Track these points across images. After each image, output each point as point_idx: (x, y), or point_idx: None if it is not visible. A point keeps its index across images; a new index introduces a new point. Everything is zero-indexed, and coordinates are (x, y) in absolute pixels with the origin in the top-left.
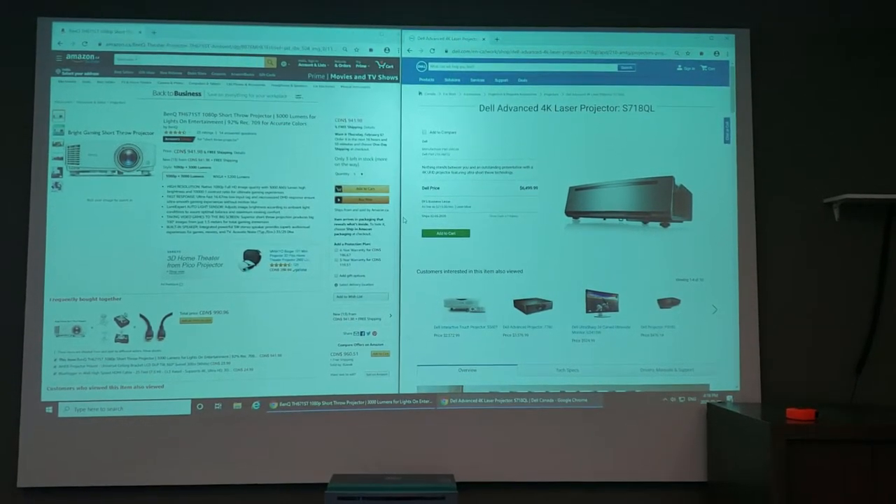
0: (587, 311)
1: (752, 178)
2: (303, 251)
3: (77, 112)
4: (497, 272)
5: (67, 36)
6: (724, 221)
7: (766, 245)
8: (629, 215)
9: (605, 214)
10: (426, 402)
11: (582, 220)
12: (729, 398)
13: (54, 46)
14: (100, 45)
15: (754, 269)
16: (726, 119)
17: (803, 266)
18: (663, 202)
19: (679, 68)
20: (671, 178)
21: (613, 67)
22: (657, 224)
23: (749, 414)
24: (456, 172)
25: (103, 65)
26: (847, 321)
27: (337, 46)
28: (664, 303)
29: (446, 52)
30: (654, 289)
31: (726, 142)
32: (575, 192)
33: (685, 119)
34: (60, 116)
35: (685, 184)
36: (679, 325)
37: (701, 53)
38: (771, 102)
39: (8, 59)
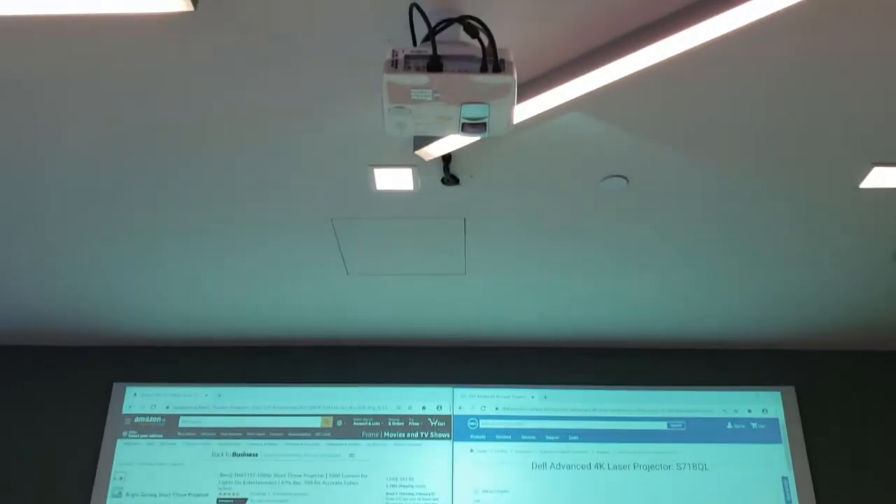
0: None
1: None
2: None
3: (137, 474)
4: None
5: (138, 399)
6: None
7: None
8: None
9: None
10: None
11: None
12: None
13: (125, 410)
14: (167, 407)
15: None
16: (784, 478)
17: None
18: None
19: (729, 426)
20: None
21: (663, 425)
22: None
23: None
24: None
25: (168, 426)
26: None
27: (391, 405)
28: None
29: (497, 409)
30: None
31: (788, 502)
32: None
33: (742, 478)
34: (121, 478)
35: None
36: None
37: (749, 411)
38: (828, 459)
39: (81, 420)
